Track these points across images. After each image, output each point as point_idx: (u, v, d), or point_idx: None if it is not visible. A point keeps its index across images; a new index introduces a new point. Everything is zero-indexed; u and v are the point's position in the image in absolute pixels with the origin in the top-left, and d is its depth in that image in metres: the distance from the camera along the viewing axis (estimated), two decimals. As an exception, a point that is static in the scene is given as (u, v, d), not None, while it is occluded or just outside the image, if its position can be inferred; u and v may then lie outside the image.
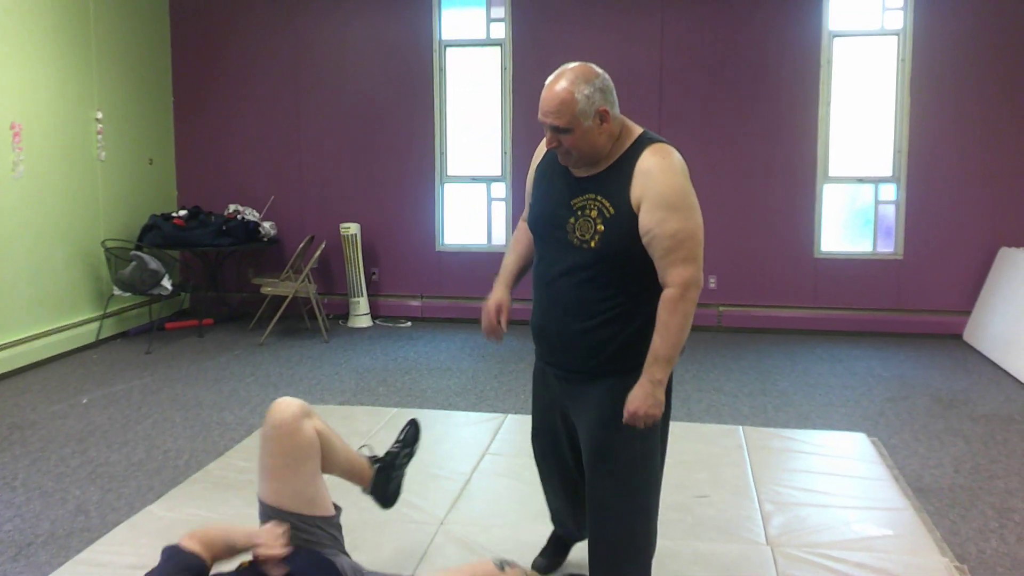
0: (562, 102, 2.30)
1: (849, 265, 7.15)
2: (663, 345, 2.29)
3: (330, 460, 2.66)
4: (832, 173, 7.12)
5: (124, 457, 4.30)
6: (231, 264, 7.88)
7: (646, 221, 2.28)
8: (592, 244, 2.35)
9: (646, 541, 2.57)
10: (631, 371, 2.38)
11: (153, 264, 6.80)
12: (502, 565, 2.35)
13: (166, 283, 6.77)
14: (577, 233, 2.38)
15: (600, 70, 2.36)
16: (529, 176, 2.72)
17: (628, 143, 2.39)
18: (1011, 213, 6.84)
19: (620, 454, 2.45)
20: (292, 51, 7.71)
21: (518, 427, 4.65)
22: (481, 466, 4.06)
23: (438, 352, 6.57)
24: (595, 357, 2.44)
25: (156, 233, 7.07)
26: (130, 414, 5.01)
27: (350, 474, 2.84)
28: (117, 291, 6.74)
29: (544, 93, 2.35)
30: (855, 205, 7.22)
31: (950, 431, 4.70)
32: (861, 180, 7.12)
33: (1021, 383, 5.62)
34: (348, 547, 2.68)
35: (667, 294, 2.30)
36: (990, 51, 6.76)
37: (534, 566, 2.99)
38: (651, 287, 2.36)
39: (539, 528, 3.35)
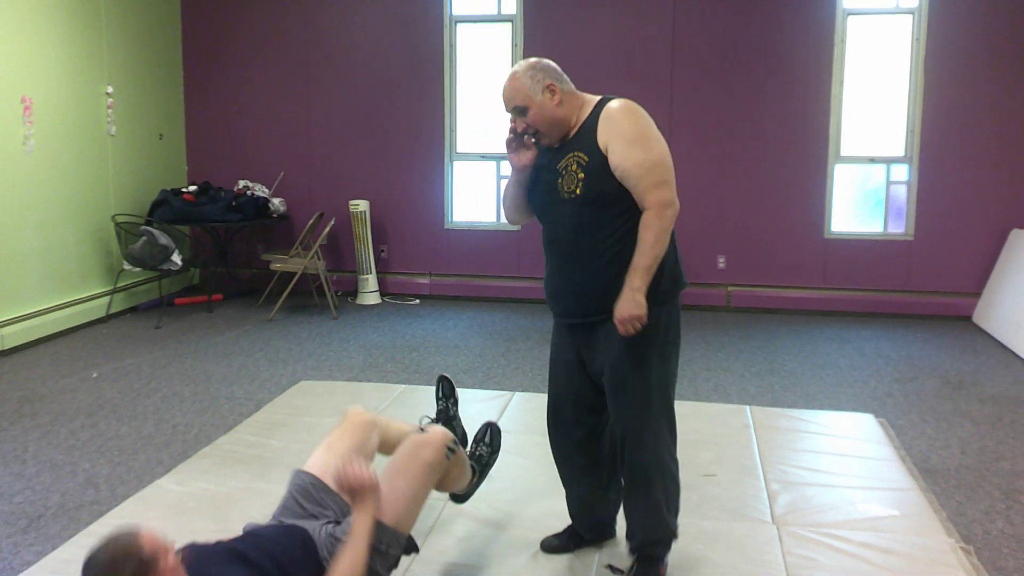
0: (513, 88, 2.68)
1: (859, 246, 7.11)
2: (639, 257, 2.57)
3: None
4: (844, 153, 7.07)
5: (134, 431, 4.33)
6: (241, 240, 7.90)
7: (615, 159, 2.57)
8: (577, 191, 2.63)
9: (669, 460, 2.78)
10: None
11: (163, 239, 6.81)
12: (451, 451, 2.56)
13: (176, 258, 6.80)
14: (564, 188, 2.66)
15: (546, 60, 2.73)
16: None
17: (590, 108, 2.68)
18: (1022, 194, 6.79)
19: (639, 385, 2.68)
20: (303, 27, 7.68)
21: (525, 405, 4.67)
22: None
23: (446, 330, 6.59)
24: (603, 299, 2.64)
25: (166, 208, 7.08)
26: (139, 388, 5.04)
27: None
28: (127, 266, 6.77)
29: (501, 91, 2.73)
30: (866, 185, 7.18)
31: (958, 412, 4.69)
32: (873, 160, 7.07)
33: (1030, 365, 5.61)
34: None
35: (645, 215, 2.58)
36: (1005, 32, 6.68)
37: (543, 545, 3.07)
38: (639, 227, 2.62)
39: (545, 503, 3.38)
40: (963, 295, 6.95)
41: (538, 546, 3.07)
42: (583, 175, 2.61)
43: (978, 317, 6.77)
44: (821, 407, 4.78)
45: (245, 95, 7.83)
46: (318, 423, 4.27)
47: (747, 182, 7.13)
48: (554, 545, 3.06)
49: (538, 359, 5.76)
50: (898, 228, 7.07)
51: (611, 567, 2.93)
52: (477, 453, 3.07)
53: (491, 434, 3.12)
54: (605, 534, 3.10)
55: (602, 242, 2.64)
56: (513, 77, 2.68)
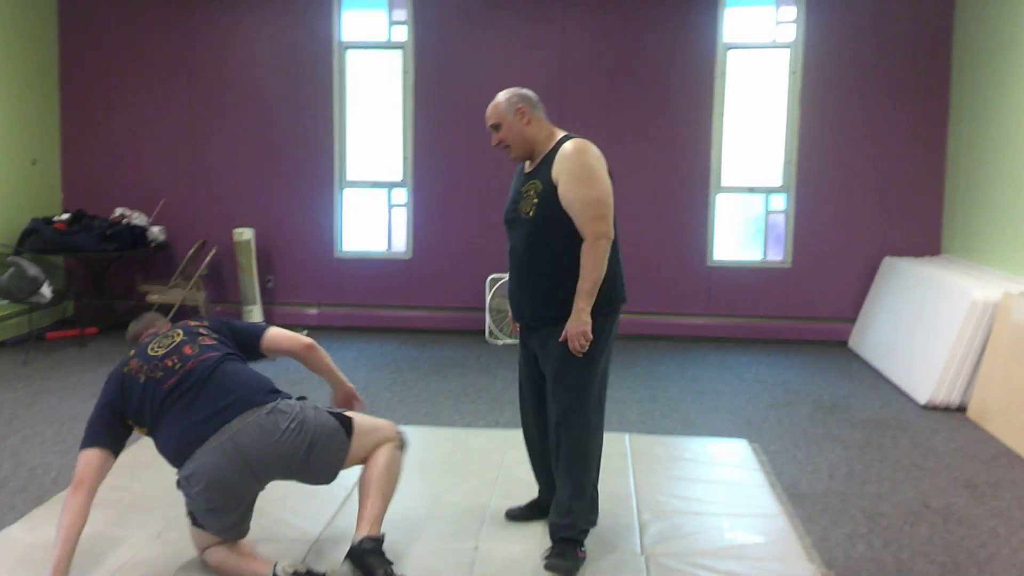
0: (493, 106, 3.19)
1: (741, 273, 7.30)
2: (581, 282, 3.01)
3: None
4: (725, 183, 7.27)
5: (-13, 475, 4.09)
6: (118, 270, 7.61)
7: (562, 191, 3.02)
8: (531, 214, 3.10)
9: (593, 449, 3.19)
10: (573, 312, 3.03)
11: (32, 270, 6.51)
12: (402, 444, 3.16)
13: (45, 290, 6.50)
14: (522, 209, 3.14)
15: (524, 89, 3.23)
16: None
17: (554, 142, 3.17)
18: (894, 223, 7.10)
19: (570, 380, 3.11)
20: (186, 50, 7.50)
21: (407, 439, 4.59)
22: (363, 479, 3.98)
23: (332, 361, 6.44)
24: (546, 305, 3.12)
25: (36, 237, 6.77)
26: (-2, 429, 4.78)
27: None
28: (-7, 298, 6.44)
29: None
30: (746, 214, 7.38)
31: (829, 436, 4.83)
32: (752, 190, 7.29)
33: (899, 389, 5.81)
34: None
35: (584, 244, 3.01)
36: (876, 66, 7.00)
37: (507, 513, 3.56)
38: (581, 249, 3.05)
39: (419, 544, 3.31)
40: (839, 321, 7.20)
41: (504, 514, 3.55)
42: (536, 200, 3.08)
43: (853, 342, 7.02)
44: (699, 433, 4.85)
45: (125, 120, 7.59)
46: (185, 463, 4.10)
47: (632, 211, 7.22)
48: (516, 514, 3.53)
49: (424, 391, 5.69)
50: (777, 256, 7.29)
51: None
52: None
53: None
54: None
55: (548, 258, 3.09)
56: (495, 100, 3.19)
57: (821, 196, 7.15)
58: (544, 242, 3.09)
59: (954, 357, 5.32)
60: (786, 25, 7.12)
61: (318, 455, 2.89)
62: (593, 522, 3.26)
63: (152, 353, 2.98)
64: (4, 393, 5.47)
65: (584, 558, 3.14)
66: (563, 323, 3.05)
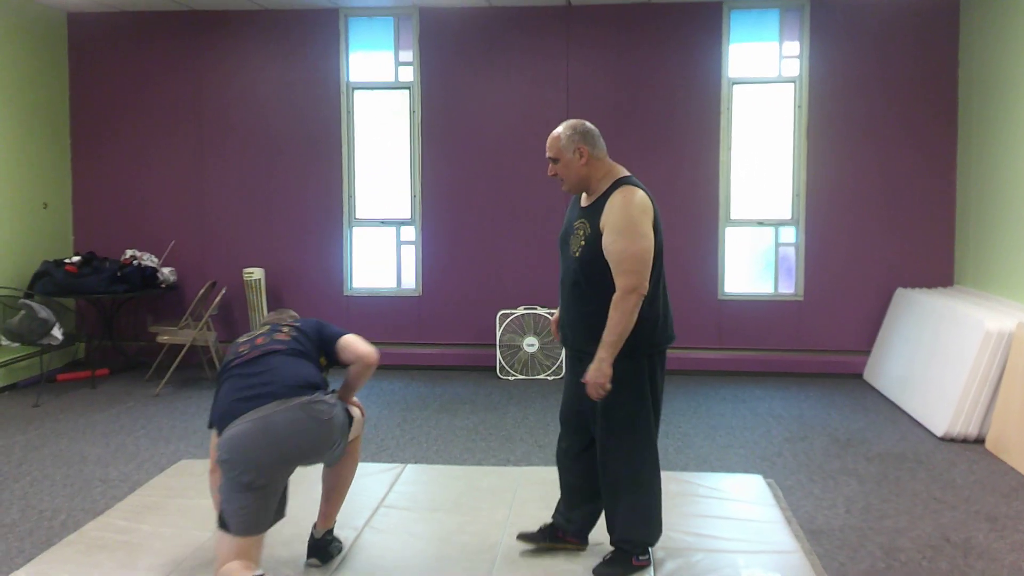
0: (553, 139, 3.29)
1: (752, 306, 7.26)
2: (606, 333, 3.10)
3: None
4: (734, 216, 7.25)
5: (-5, 519, 4.07)
6: (128, 312, 7.63)
7: (604, 241, 3.13)
8: (577, 253, 3.24)
9: (639, 474, 3.30)
10: (621, 355, 3.13)
11: (43, 313, 6.53)
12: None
13: (57, 332, 6.51)
14: (572, 245, 3.28)
15: (588, 123, 3.32)
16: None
17: (610, 183, 3.23)
18: (906, 254, 7.05)
19: (617, 412, 3.25)
20: (195, 93, 7.58)
21: (417, 477, 4.57)
22: (373, 521, 3.94)
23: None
24: (591, 339, 3.17)
25: (48, 280, 6.80)
26: (8, 471, 4.75)
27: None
28: (5, 341, 6.45)
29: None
30: (756, 247, 7.36)
31: (845, 471, 4.76)
32: (762, 223, 7.27)
33: (916, 421, 5.74)
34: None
35: (615, 296, 3.10)
36: (883, 98, 7.00)
37: (519, 535, 3.61)
38: None
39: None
40: (853, 353, 7.13)
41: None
42: (583, 243, 3.21)
43: (868, 375, 6.95)
44: (712, 469, 4.79)
45: (135, 162, 7.65)
46: (193, 505, 4.08)
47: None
48: (528, 537, 3.58)
49: (434, 429, 5.65)
50: (788, 288, 7.25)
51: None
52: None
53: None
54: (581, 534, 3.57)
55: (593, 294, 3.18)
56: (557, 132, 3.29)
57: (831, 228, 7.13)
58: (590, 280, 3.21)
59: (970, 388, 5.26)
60: (790, 60, 7.14)
61: (332, 450, 3.18)
62: (650, 538, 3.38)
63: (248, 338, 3.34)
64: (15, 436, 5.46)
65: (644, 566, 3.35)
66: None
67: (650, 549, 3.42)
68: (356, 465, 3.47)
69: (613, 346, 3.09)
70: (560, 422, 3.58)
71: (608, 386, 3.10)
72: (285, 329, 3.34)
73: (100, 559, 3.54)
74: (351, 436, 3.29)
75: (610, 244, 3.11)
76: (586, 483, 3.47)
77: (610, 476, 3.32)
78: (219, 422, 3.00)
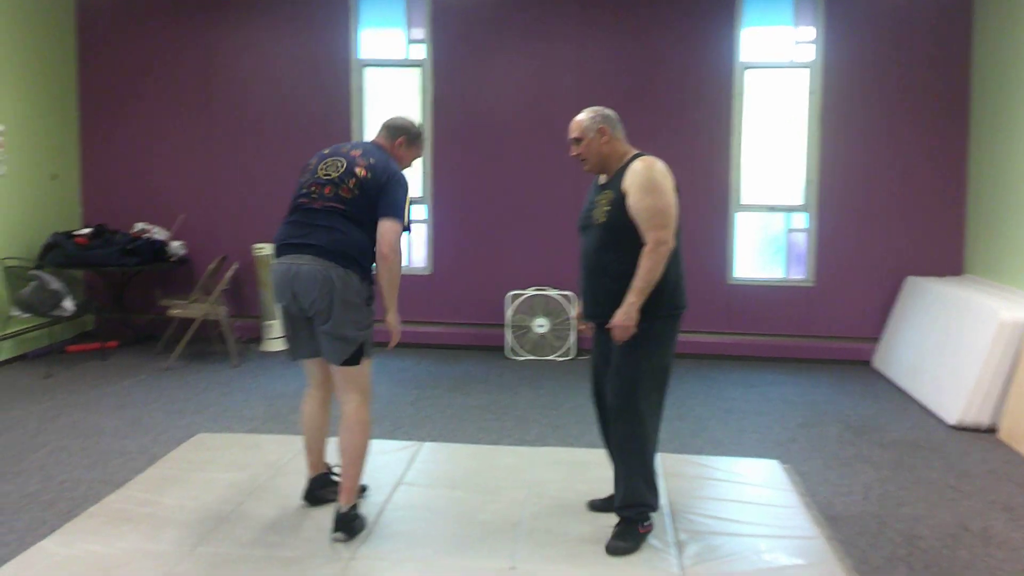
0: (576, 122, 3.52)
1: (762, 291, 7.27)
2: (636, 280, 3.28)
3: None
4: (744, 201, 7.25)
5: (16, 488, 4.07)
6: (138, 284, 7.61)
7: (630, 201, 3.31)
8: (602, 220, 3.39)
9: (646, 438, 3.44)
10: (642, 315, 3.31)
11: (54, 284, 6.51)
12: None
13: (67, 304, 6.49)
14: (595, 216, 3.44)
15: (607, 109, 3.57)
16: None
17: (626, 160, 3.48)
18: (916, 243, 7.06)
19: (628, 371, 3.39)
20: (205, 67, 7.52)
21: (434, 456, 4.57)
22: (394, 498, 3.96)
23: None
24: (613, 304, 3.34)
25: (58, 252, 6.77)
26: (25, 442, 4.75)
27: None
28: (15, 312, 6.43)
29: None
30: (767, 233, 7.36)
31: (860, 457, 4.78)
32: (773, 208, 7.26)
33: (927, 409, 5.76)
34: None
35: (645, 248, 3.28)
36: (897, 84, 6.99)
37: (590, 505, 3.85)
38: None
39: (453, 561, 3.28)
40: (863, 340, 7.16)
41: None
42: (608, 208, 3.37)
43: (877, 362, 6.97)
44: (728, 453, 4.81)
45: (144, 135, 7.60)
46: (214, 478, 4.08)
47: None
48: (598, 505, 3.82)
49: (448, 407, 5.66)
50: (799, 274, 7.26)
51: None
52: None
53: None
54: None
55: (616, 259, 3.35)
56: (579, 116, 3.51)
57: (843, 215, 7.13)
58: (614, 245, 3.37)
59: (983, 378, 5.28)
60: (805, 45, 7.12)
61: (314, 305, 3.44)
62: (652, 504, 3.50)
63: (322, 173, 3.55)
64: (29, 406, 5.45)
65: (648, 532, 3.50)
66: None
67: (651, 515, 3.54)
68: (363, 436, 3.53)
69: (642, 292, 3.27)
70: (594, 405, 3.72)
71: (634, 329, 3.27)
72: (352, 183, 3.47)
73: (125, 531, 3.54)
74: (353, 338, 3.51)
75: (637, 202, 3.29)
76: None
77: (617, 440, 3.47)
78: (275, 250, 3.54)
